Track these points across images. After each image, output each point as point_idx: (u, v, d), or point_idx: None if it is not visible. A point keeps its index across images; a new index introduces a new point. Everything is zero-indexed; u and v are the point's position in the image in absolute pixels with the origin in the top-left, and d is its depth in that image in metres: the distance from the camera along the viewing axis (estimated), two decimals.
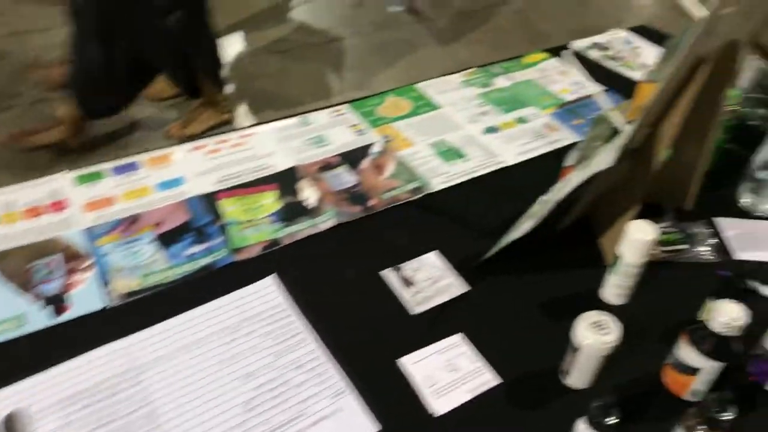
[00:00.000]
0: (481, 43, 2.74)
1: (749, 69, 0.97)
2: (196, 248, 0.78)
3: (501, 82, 1.11)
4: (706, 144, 0.77)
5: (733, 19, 0.64)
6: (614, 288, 0.72)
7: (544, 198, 0.74)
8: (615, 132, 0.74)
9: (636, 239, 0.66)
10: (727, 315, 0.57)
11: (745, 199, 0.86)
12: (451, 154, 0.94)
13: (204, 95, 2.01)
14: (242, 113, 2.23)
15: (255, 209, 0.83)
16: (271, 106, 2.28)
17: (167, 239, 0.79)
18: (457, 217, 0.84)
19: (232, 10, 2.91)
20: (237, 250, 0.78)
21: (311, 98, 2.33)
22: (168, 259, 0.76)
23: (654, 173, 0.72)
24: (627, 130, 0.65)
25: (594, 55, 1.17)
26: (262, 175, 0.89)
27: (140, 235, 0.79)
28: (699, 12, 0.58)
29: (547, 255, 0.79)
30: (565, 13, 2.95)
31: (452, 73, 1.15)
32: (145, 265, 0.75)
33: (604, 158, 0.63)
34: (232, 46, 2.67)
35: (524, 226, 0.73)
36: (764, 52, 0.94)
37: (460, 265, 0.77)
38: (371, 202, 0.85)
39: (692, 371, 0.60)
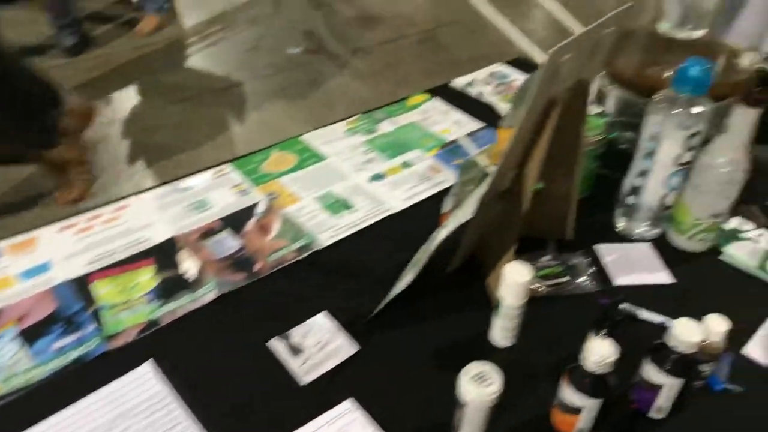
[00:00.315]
0: (382, 77, 2.78)
1: (611, 96, 1.02)
2: (65, 340, 0.72)
3: (385, 126, 1.12)
4: (575, 177, 0.80)
5: (575, 61, 0.67)
6: (500, 330, 0.72)
7: (423, 247, 0.74)
8: (486, 176, 0.75)
9: (512, 282, 0.67)
10: (597, 353, 0.58)
11: (620, 224, 0.89)
12: (338, 206, 0.93)
13: (50, 157, 1.81)
14: (140, 170, 2.15)
15: (131, 289, 0.79)
16: (172, 159, 2.21)
17: (32, 334, 0.73)
18: (346, 273, 0.83)
19: (123, 61, 2.83)
20: (111, 337, 0.73)
21: (214, 147, 2.28)
22: (33, 356, 0.70)
23: (525, 213, 0.73)
24: (489, 177, 0.67)
25: (473, 91, 1.20)
26: (138, 250, 0.84)
27: (0, 333, 0.72)
28: (540, 57, 0.60)
29: (436, 301, 0.79)
30: (463, 42, 3.05)
31: (338, 121, 1.14)
32: (7, 366, 0.69)
33: (467, 209, 0.64)
34: (126, 100, 2.58)
35: (407, 277, 0.73)
36: (621, 80, 0.99)
37: (350, 323, 0.75)
38: (257, 267, 0.83)
39: (575, 410, 0.61)
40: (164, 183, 0.97)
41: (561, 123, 0.70)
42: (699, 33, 0.94)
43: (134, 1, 3.16)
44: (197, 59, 2.92)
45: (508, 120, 0.72)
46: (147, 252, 0.84)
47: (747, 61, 0.92)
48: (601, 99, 1.09)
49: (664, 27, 0.95)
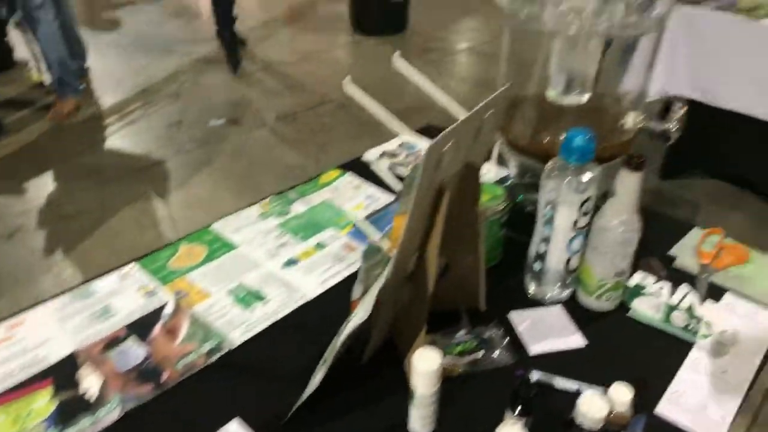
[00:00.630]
0: (307, 143, 2.80)
1: (512, 160, 1.05)
2: None
3: (298, 207, 1.11)
4: (478, 251, 0.81)
5: (459, 146, 0.68)
6: (418, 419, 0.70)
7: (331, 344, 0.73)
8: (389, 260, 0.75)
9: (422, 370, 0.66)
10: None
11: (531, 289, 0.91)
12: (250, 298, 0.91)
13: None
14: (58, 262, 2.05)
15: (25, 418, 0.73)
16: (93, 247, 2.13)
17: None
18: (260, 373, 0.80)
19: (38, 147, 2.74)
20: None
21: (138, 230, 2.21)
22: None
23: (432, 293, 0.73)
24: (390, 264, 0.66)
25: (383, 164, 1.21)
26: (34, 372, 0.79)
27: None
28: (423, 144, 0.61)
29: (354, 393, 0.76)
30: (384, 100, 3.12)
31: (251, 204, 1.13)
32: None
33: (368, 305, 0.63)
34: (41, 187, 2.49)
35: (317, 376, 0.71)
36: (517, 148, 1.03)
37: (264, 429, 0.72)
38: (164, 376, 0.78)
39: None
40: (64, 291, 0.92)
41: (455, 205, 0.71)
42: (585, 98, 0.99)
43: (47, 85, 3.10)
44: (116, 139, 2.86)
45: (402, 206, 0.73)
46: (44, 372, 0.79)
47: (631, 121, 0.97)
48: (503, 162, 1.13)
49: (552, 94, 1.00)
